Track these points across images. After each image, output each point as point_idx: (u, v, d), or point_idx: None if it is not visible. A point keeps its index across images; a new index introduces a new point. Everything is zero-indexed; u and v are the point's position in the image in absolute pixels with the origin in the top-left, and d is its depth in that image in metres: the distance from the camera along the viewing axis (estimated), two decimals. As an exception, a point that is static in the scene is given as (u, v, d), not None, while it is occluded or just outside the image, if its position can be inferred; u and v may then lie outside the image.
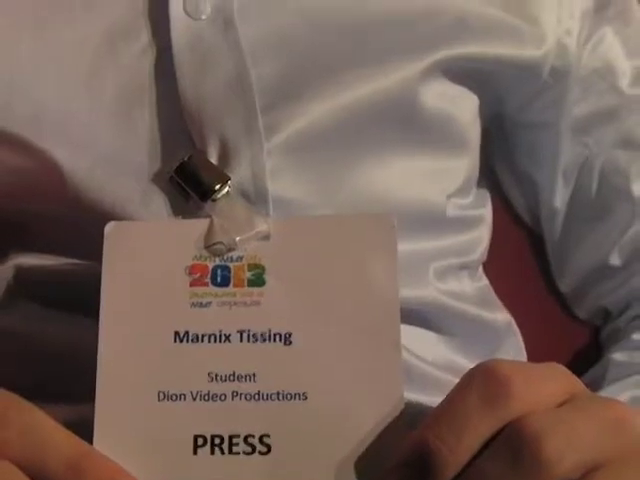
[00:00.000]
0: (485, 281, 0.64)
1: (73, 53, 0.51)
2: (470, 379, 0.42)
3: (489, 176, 0.67)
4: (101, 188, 0.50)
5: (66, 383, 0.49)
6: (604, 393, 0.60)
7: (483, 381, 0.41)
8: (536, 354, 0.72)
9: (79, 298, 0.49)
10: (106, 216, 0.48)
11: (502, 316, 0.62)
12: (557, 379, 0.44)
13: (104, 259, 0.46)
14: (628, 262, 0.66)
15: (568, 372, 0.45)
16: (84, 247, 0.49)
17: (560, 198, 0.65)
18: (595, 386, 0.62)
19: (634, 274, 0.66)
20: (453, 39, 0.56)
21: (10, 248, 0.53)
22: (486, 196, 0.64)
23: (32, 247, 0.52)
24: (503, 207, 0.70)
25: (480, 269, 0.64)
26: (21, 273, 0.52)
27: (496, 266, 0.67)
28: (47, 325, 0.51)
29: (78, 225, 0.50)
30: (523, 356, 0.63)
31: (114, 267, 0.46)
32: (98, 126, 0.51)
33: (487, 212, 0.63)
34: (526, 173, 0.66)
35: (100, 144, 0.50)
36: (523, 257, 0.72)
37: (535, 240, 0.70)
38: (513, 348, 0.62)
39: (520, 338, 0.64)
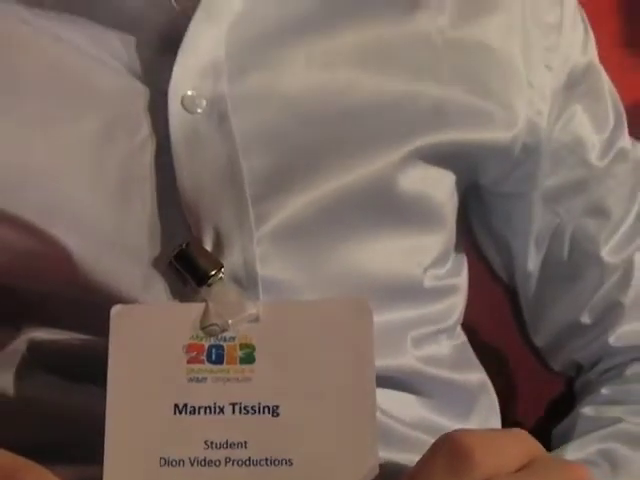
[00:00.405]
0: (462, 338, 0.72)
1: (79, 146, 0.59)
2: (438, 449, 0.49)
3: (467, 235, 0.75)
4: (107, 273, 0.57)
5: (76, 446, 0.57)
6: (572, 446, 0.67)
7: (449, 451, 0.49)
8: (514, 403, 0.80)
9: (90, 370, 0.56)
10: (112, 298, 0.56)
11: (475, 376, 0.70)
12: (517, 445, 0.51)
13: (110, 339, 0.53)
14: (598, 321, 0.73)
15: (528, 437, 0.52)
16: (92, 324, 0.56)
17: (533, 262, 0.73)
18: (565, 438, 0.70)
19: (604, 332, 0.73)
20: (430, 127, 0.63)
21: (23, 323, 0.60)
22: (463, 262, 0.72)
23: (43, 323, 0.59)
24: (481, 260, 0.78)
25: (458, 327, 0.71)
26: (34, 346, 0.60)
27: (475, 317, 0.75)
28: (61, 393, 0.59)
29: (85, 304, 0.57)
30: (496, 413, 0.71)
31: (119, 346, 0.53)
32: (104, 215, 0.58)
33: (462, 280, 0.70)
34: (501, 237, 0.74)
35: (106, 232, 0.58)
36: (502, 308, 0.80)
37: (512, 293, 0.78)
38: (486, 406, 0.69)
39: (493, 396, 0.71)
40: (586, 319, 0.73)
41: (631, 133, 0.75)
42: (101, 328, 0.54)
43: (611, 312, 0.72)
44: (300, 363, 0.53)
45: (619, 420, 0.69)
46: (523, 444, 0.52)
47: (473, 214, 0.74)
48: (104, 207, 0.59)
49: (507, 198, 0.71)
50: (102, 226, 0.58)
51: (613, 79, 0.76)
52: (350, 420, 0.52)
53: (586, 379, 0.75)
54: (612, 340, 0.73)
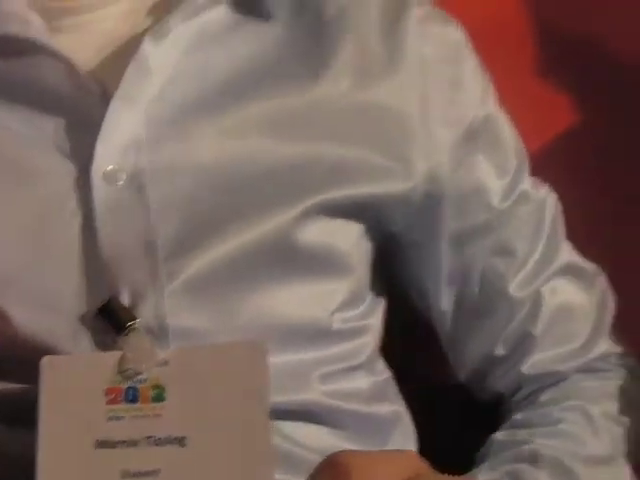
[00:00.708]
0: (386, 375, 0.81)
1: (17, 223, 0.71)
2: (321, 469, 0.60)
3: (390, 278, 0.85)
4: (43, 332, 0.69)
5: None
6: (483, 468, 0.76)
7: (329, 472, 0.59)
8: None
9: (28, 415, 0.67)
10: (46, 351, 0.67)
11: (392, 408, 0.79)
12: (398, 464, 0.61)
13: (40, 386, 0.65)
14: (512, 352, 0.82)
15: (412, 456, 0.62)
16: (30, 375, 0.67)
17: (446, 302, 0.82)
18: (480, 463, 0.79)
19: (518, 362, 0.82)
20: (330, 184, 0.74)
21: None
22: (379, 303, 0.81)
23: None
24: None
25: (381, 363, 0.81)
26: None
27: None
28: (4, 439, 0.69)
29: (23, 358, 0.68)
30: (412, 441, 0.80)
31: (49, 392, 0.64)
32: (40, 282, 0.70)
33: (376, 320, 0.80)
34: (416, 279, 0.83)
35: (42, 297, 0.70)
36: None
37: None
38: (402, 436, 0.79)
39: (409, 426, 0.80)
40: (500, 351, 0.82)
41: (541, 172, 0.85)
42: (37, 377, 0.65)
43: (523, 343, 0.81)
44: (204, 399, 0.63)
45: (527, 442, 0.77)
46: (405, 463, 0.61)
47: (391, 259, 0.84)
48: (40, 275, 0.70)
49: (417, 243, 0.81)
50: (39, 292, 0.70)
51: (529, 108, 0.86)
52: (247, 448, 0.62)
53: (506, 407, 0.84)
54: (526, 369, 0.81)
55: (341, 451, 0.60)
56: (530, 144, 0.86)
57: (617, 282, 0.86)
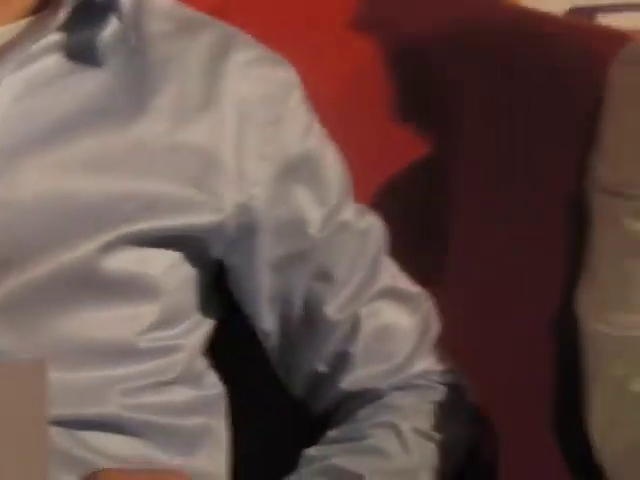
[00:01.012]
0: (215, 390, 0.89)
1: None
2: None
3: None
4: None
5: None
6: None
7: None
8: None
9: None
10: None
11: (205, 421, 0.87)
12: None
13: None
14: (332, 370, 0.89)
15: (180, 475, 0.70)
16: None
17: (269, 323, 0.89)
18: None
19: (338, 379, 0.89)
20: (138, 218, 0.82)
21: None
22: (204, 323, 0.89)
23: None
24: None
25: (207, 377, 0.88)
26: None
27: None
28: None
29: None
30: (223, 454, 0.88)
31: None
32: None
33: (194, 339, 0.87)
34: (243, 301, 0.90)
35: None
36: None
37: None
38: (211, 447, 0.87)
39: (220, 437, 0.88)
40: (322, 368, 0.89)
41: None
42: None
43: (342, 361, 0.89)
44: None
45: (332, 457, 0.85)
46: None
47: (224, 281, 0.91)
48: None
49: (239, 267, 0.89)
50: None
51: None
52: (25, 457, 0.70)
53: (331, 425, 0.90)
54: (344, 386, 0.89)
55: (105, 468, 0.69)
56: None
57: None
